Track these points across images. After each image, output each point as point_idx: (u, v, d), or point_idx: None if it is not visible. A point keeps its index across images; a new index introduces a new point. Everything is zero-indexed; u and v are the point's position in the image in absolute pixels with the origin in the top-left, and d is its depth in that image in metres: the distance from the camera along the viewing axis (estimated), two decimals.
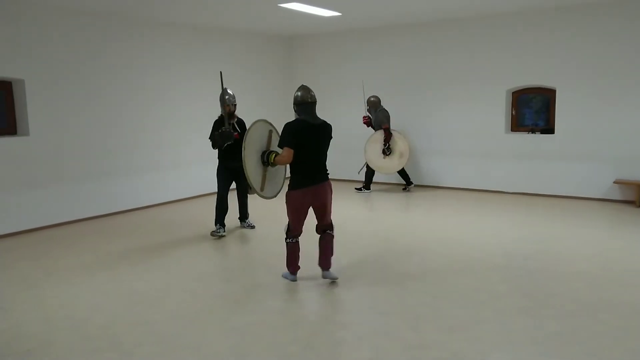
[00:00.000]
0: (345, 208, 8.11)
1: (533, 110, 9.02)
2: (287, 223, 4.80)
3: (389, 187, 9.90)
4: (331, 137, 4.75)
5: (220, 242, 6.31)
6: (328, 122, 4.72)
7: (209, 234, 6.53)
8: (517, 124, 9.06)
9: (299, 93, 4.66)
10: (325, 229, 4.84)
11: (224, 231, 6.52)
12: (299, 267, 4.89)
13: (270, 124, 5.30)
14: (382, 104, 9.25)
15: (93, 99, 7.65)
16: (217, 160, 6.58)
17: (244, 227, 6.89)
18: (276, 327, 4.00)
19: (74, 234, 6.91)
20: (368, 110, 9.27)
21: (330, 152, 4.89)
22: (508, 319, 4.02)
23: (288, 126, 4.55)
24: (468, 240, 6.19)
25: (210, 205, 7.65)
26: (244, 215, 6.94)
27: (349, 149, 10.37)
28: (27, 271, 5.38)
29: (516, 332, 3.79)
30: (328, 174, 4.76)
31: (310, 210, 4.81)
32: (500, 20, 8.70)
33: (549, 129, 8.68)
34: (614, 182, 8.02)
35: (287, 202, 4.69)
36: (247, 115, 8.74)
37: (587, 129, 8.22)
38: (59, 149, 7.28)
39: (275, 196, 5.28)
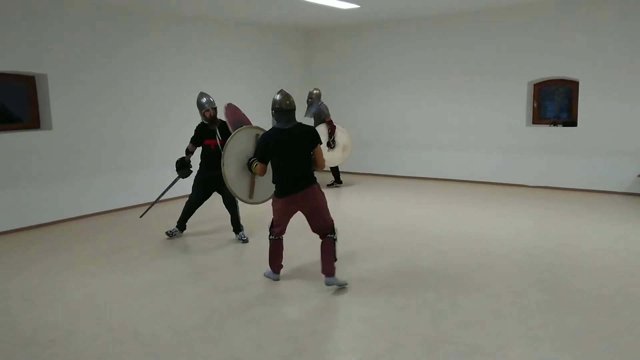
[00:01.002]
0: (360, 201, 8.08)
1: (555, 103, 8.88)
2: (272, 219, 4.67)
3: (397, 180, 9.85)
4: (314, 141, 4.43)
5: (249, 232, 6.32)
6: (308, 125, 4.51)
7: (165, 232, 6.29)
8: (539, 117, 8.92)
9: (277, 98, 4.46)
10: (325, 233, 4.52)
11: (180, 234, 6.31)
12: (281, 266, 4.79)
13: (257, 128, 5.15)
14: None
15: (115, 93, 7.74)
16: (199, 166, 6.11)
17: (238, 240, 6.10)
18: (294, 320, 4.01)
19: (95, 226, 7.01)
20: (310, 102, 9.09)
21: None
22: (528, 314, 3.97)
23: (260, 138, 4.51)
24: (488, 234, 6.13)
25: None
26: (235, 228, 6.15)
27: (366, 143, 10.34)
28: (49, 263, 5.48)
29: (536, 327, 3.75)
30: (314, 178, 4.48)
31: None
32: (521, 12, 8.54)
33: (571, 122, 8.53)
34: (638, 176, 7.86)
35: (272, 204, 4.62)
36: (263, 111, 8.78)
37: (611, 122, 8.05)
38: (81, 142, 7.38)
39: (268, 199, 5.16)
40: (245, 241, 6.04)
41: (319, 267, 4.98)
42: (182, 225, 6.32)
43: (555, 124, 8.68)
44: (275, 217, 4.60)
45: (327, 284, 4.47)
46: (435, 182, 9.56)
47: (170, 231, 6.27)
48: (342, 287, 4.51)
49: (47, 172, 7.05)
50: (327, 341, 3.64)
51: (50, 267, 5.34)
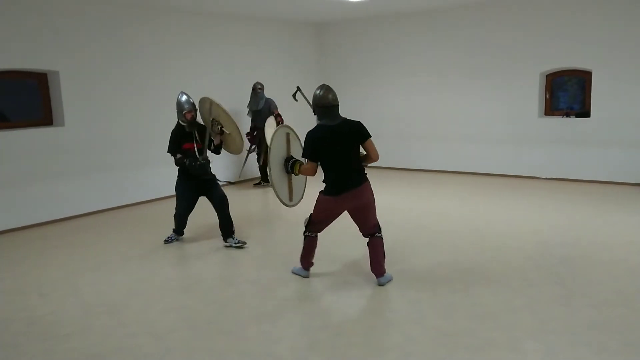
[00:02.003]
0: (376, 195, 8.07)
1: (568, 94, 8.78)
2: (309, 216, 4.52)
3: (408, 173, 9.82)
4: (364, 135, 4.30)
5: (251, 229, 6.35)
6: (354, 120, 4.34)
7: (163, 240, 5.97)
8: (551, 108, 8.84)
9: (319, 93, 4.27)
10: (372, 232, 4.45)
11: (181, 236, 6.01)
12: (312, 264, 4.68)
13: (287, 127, 4.87)
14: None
15: (127, 89, 7.77)
16: (177, 173, 5.75)
17: (230, 246, 5.64)
18: (308, 314, 4.03)
19: (108, 222, 7.06)
20: (258, 93, 8.72)
21: None
22: (542, 307, 3.95)
23: (307, 136, 4.27)
24: (500, 227, 6.09)
25: (240, 192, 7.74)
26: (227, 232, 5.68)
27: (377, 136, 10.29)
28: (64, 258, 5.54)
29: (550, 320, 3.73)
30: (366, 174, 4.37)
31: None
32: (533, 2, 8.45)
33: (584, 113, 8.44)
34: None
35: (317, 201, 4.43)
36: (280, 107, 8.79)
37: (625, 112, 7.95)
38: (93, 139, 7.43)
39: (301, 199, 5.05)
40: (243, 245, 5.63)
41: (330, 261, 5.00)
42: (179, 232, 5.98)
43: (568, 115, 8.60)
44: (319, 216, 4.45)
45: (380, 284, 4.42)
46: (447, 175, 9.51)
47: (168, 237, 5.94)
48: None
49: (60, 168, 7.10)
50: (340, 335, 3.65)
51: (64, 263, 5.39)
